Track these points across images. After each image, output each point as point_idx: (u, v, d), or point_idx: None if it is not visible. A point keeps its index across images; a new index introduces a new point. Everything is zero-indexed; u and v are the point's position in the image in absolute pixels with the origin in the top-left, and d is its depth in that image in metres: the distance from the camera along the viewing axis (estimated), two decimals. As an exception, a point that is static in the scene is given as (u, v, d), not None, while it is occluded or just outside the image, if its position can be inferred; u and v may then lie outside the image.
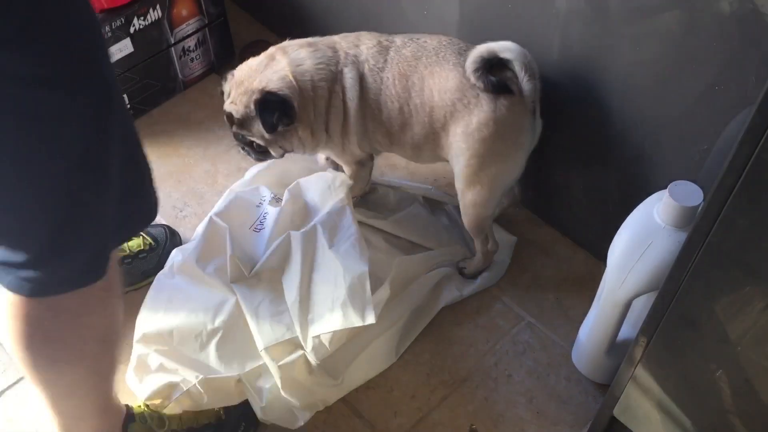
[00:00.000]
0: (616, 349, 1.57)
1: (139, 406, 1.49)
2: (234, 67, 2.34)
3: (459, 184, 1.67)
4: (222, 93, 1.72)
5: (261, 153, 1.74)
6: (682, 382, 1.23)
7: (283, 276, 1.65)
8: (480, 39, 1.56)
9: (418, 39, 1.63)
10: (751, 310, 1.02)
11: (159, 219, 1.92)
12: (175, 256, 1.73)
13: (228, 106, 1.67)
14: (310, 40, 1.69)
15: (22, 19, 0.85)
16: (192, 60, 2.27)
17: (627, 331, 1.55)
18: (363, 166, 1.84)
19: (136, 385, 1.57)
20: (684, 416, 1.27)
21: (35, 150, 0.95)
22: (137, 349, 1.59)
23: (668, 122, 1.49)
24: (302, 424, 1.57)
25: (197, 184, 2.09)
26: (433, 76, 1.58)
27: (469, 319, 1.79)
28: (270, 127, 1.62)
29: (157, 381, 1.55)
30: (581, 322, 1.67)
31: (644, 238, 1.34)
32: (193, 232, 1.90)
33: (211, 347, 1.57)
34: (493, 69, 1.52)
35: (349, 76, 1.62)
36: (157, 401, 1.53)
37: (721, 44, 1.30)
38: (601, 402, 1.51)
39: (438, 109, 1.58)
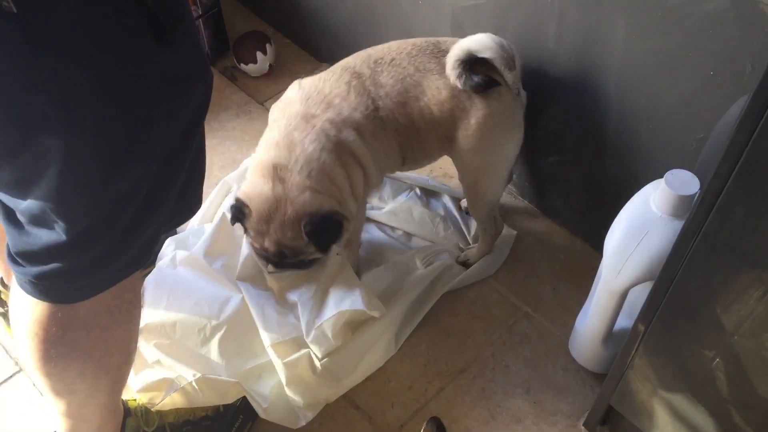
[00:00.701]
0: (613, 339, 1.57)
1: (134, 400, 1.49)
2: (230, 59, 2.35)
3: (467, 179, 1.69)
4: (244, 230, 1.59)
5: (314, 262, 1.62)
6: (679, 371, 1.23)
7: (294, 289, 1.67)
8: (476, 27, 1.56)
9: (382, 59, 1.56)
10: (748, 299, 1.02)
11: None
12: (169, 245, 1.72)
13: (272, 246, 1.53)
14: (277, 134, 1.52)
15: (176, 18, 0.86)
16: (186, 51, 2.26)
17: (624, 321, 1.55)
18: None
19: (131, 376, 1.57)
20: (681, 405, 1.27)
21: (146, 146, 0.94)
22: (135, 340, 1.58)
23: (665, 111, 1.48)
24: (304, 423, 1.57)
25: (192, 176, 2.08)
26: (425, 94, 1.55)
27: (466, 311, 1.79)
28: (330, 245, 1.57)
29: (152, 375, 1.54)
30: (578, 312, 1.66)
31: (641, 227, 1.33)
32: (188, 223, 1.90)
33: (214, 342, 1.57)
34: (473, 66, 1.51)
35: (350, 139, 1.52)
36: (150, 395, 1.52)
37: (717, 33, 1.29)
38: (598, 392, 1.51)
39: (442, 123, 1.57)
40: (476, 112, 1.54)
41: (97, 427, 1.34)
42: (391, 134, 1.57)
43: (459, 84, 1.51)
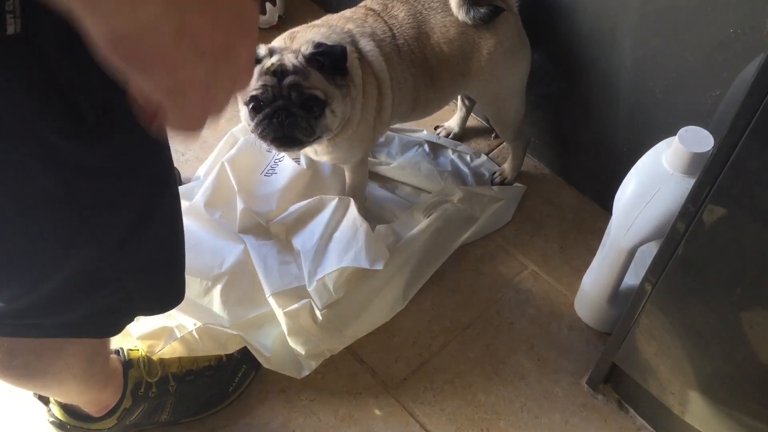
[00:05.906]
0: (619, 298, 1.56)
1: (137, 350, 1.49)
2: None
3: (490, 108, 1.75)
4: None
5: (311, 120, 1.42)
6: (685, 329, 1.22)
7: (300, 231, 1.65)
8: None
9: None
10: (759, 256, 1.00)
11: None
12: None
13: (275, 60, 1.39)
14: (311, 24, 1.53)
15: (102, 110, 0.77)
16: (194, 1, 2.22)
17: (630, 280, 1.54)
18: None
19: (133, 323, 1.56)
20: (686, 363, 1.26)
21: (76, 235, 0.88)
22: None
23: (681, 68, 1.45)
24: (308, 373, 1.57)
25: (199, 128, 2.07)
26: (434, 32, 1.56)
27: (472, 267, 1.78)
28: (341, 58, 1.40)
29: (153, 323, 1.54)
30: (585, 271, 1.65)
31: (652, 184, 1.32)
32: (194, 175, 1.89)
33: (216, 292, 1.56)
34: None
35: (368, 49, 1.50)
36: (149, 342, 1.53)
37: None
38: (602, 350, 1.51)
39: (453, 59, 1.58)
40: (486, 42, 1.57)
41: (92, 398, 1.35)
42: (406, 65, 1.56)
43: (468, 20, 1.53)
